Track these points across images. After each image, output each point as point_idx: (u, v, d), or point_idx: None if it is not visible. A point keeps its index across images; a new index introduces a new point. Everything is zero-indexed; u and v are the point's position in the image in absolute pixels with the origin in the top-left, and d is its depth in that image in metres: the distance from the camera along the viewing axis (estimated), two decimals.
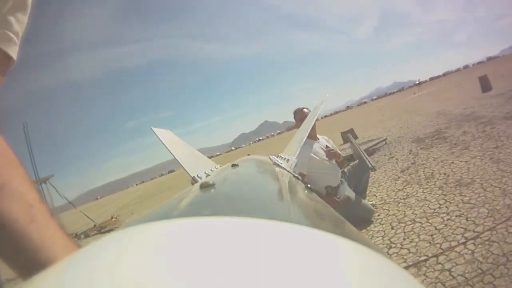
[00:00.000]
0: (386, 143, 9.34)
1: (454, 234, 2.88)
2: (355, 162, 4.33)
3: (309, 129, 2.03)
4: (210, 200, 0.42)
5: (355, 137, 11.34)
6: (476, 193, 3.60)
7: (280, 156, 1.72)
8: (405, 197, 4.29)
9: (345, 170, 4.20)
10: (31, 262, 0.49)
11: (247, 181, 0.74)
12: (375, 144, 9.25)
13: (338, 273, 0.17)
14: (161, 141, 1.40)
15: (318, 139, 3.85)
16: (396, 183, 5.08)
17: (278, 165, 1.12)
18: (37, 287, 0.15)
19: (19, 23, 0.53)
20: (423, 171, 5.17)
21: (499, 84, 14.92)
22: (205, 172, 1.20)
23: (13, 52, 0.54)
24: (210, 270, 0.15)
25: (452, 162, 5.06)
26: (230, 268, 0.15)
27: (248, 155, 1.91)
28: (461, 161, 4.95)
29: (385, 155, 7.78)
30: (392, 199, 4.36)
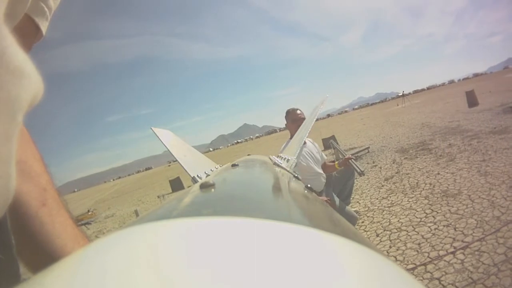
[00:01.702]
0: (368, 152, 9.80)
1: (442, 243, 3.02)
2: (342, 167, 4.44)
3: (309, 129, 2.14)
4: (210, 200, 0.45)
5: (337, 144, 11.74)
6: (464, 204, 3.79)
7: (280, 156, 1.81)
8: (389, 205, 4.47)
9: (332, 175, 4.29)
10: (40, 250, 0.52)
11: (247, 181, 0.78)
12: (357, 152, 9.66)
13: (338, 273, 0.18)
14: (161, 141, 1.48)
15: (305, 143, 3.93)
16: (380, 191, 5.29)
17: (278, 165, 1.17)
18: (37, 287, 0.16)
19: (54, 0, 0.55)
20: (408, 181, 5.39)
21: (486, 100, 15.90)
22: (205, 172, 1.26)
23: (44, 26, 0.55)
24: (211, 270, 0.16)
25: (438, 173, 5.31)
26: (231, 268, 0.17)
27: (248, 155, 2.00)
28: (447, 173, 5.21)
29: (367, 163, 8.08)
30: (376, 207, 4.54)
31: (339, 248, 0.23)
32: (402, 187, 5.13)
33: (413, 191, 4.76)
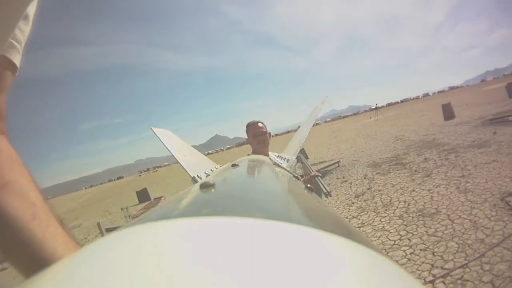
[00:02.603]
0: (339, 166, 9.76)
1: (419, 270, 2.80)
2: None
3: (309, 129, 2.17)
4: (210, 200, 0.47)
5: (306, 158, 11.71)
6: (443, 224, 3.64)
7: (280, 156, 1.91)
8: (360, 225, 4.27)
9: None
10: (32, 258, 0.59)
11: (247, 181, 0.81)
12: (327, 166, 9.65)
13: (338, 273, 0.19)
14: (161, 141, 1.56)
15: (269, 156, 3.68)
16: (349, 209, 5.11)
17: (278, 165, 1.23)
18: (37, 287, 0.17)
19: (22, 32, 0.65)
20: (380, 198, 5.25)
21: (463, 113, 16.39)
22: (205, 172, 1.33)
23: (17, 60, 0.65)
24: (211, 270, 0.17)
25: (413, 190, 5.19)
26: (231, 268, 0.17)
27: (248, 155, 2.10)
28: (423, 189, 5.09)
29: (337, 178, 7.97)
30: None
31: (339, 248, 0.24)
32: (374, 205, 4.98)
33: (386, 210, 4.61)
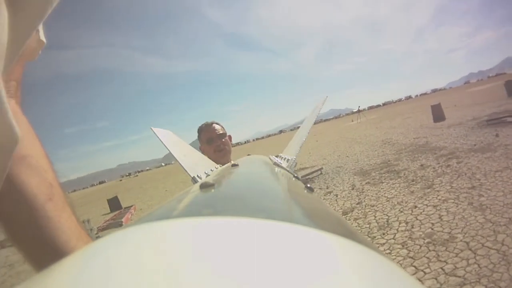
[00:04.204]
0: (321, 173, 9.09)
1: None
2: None
3: (309, 129, 2.00)
4: (210, 200, 0.46)
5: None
6: (463, 257, 2.92)
7: (280, 156, 1.81)
8: None
9: None
10: (45, 244, 0.58)
11: (247, 181, 0.78)
12: (309, 174, 9.04)
13: (338, 273, 0.19)
14: (161, 141, 1.60)
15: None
16: None
17: (278, 165, 1.17)
18: (42, 285, 0.18)
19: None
20: (374, 216, 4.48)
21: (453, 114, 15.99)
22: (205, 172, 1.31)
23: (43, 36, 0.66)
24: (211, 270, 0.17)
25: (415, 206, 4.42)
26: (231, 268, 0.18)
27: (248, 155, 1.79)
28: (427, 205, 4.33)
29: (320, 189, 7.23)
30: None
31: (339, 248, 0.24)
32: (367, 226, 4.21)
33: (383, 234, 3.83)
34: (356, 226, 4.20)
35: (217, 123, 2.59)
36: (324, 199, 6.19)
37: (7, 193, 0.57)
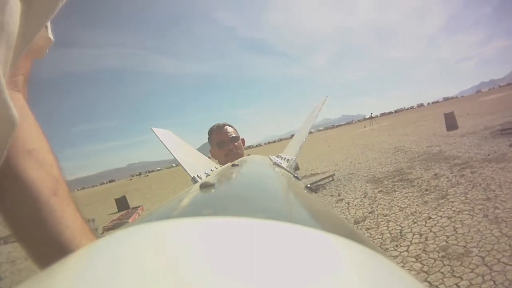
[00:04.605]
0: (333, 180, 8.93)
1: None
2: None
3: (308, 131, 2.05)
4: (210, 200, 0.47)
5: (296, 169, 11.10)
6: (478, 273, 2.81)
7: (280, 156, 1.84)
8: None
9: None
10: (49, 239, 0.57)
11: (247, 181, 0.79)
12: (320, 180, 8.88)
13: (338, 273, 0.19)
14: (161, 141, 1.60)
15: None
16: None
17: (278, 165, 1.19)
18: (46, 282, 0.18)
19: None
20: (387, 226, 4.37)
21: (465, 123, 15.72)
22: (205, 172, 1.33)
23: (50, 33, 0.68)
24: (211, 270, 0.17)
25: (429, 217, 4.30)
26: (231, 268, 0.17)
27: (248, 155, 1.93)
28: (442, 217, 4.21)
29: (331, 196, 7.11)
30: None
31: (339, 248, 0.24)
32: (380, 236, 4.10)
33: (396, 246, 3.72)
34: (368, 237, 4.11)
35: (229, 125, 2.43)
36: (335, 206, 6.09)
37: (12, 185, 0.57)
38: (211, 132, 2.48)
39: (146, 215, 0.36)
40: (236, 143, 2.27)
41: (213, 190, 0.49)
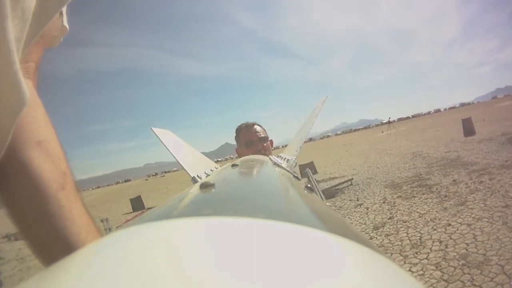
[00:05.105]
0: (351, 184, 8.84)
1: None
2: None
3: (309, 130, 2.05)
4: (210, 200, 0.46)
5: (314, 172, 10.99)
6: (498, 282, 2.79)
7: (280, 156, 1.83)
8: None
9: None
10: (56, 231, 0.56)
11: (247, 181, 0.79)
12: (338, 184, 8.77)
13: (338, 273, 0.19)
14: (161, 141, 1.60)
15: None
16: None
17: (278, 165, 1.19)
18: (51, 279, 0.18)
19: None
20: (407, 233, 4.33)
21: (483, 129, 15.45)
22: (205, 172, 1.34)
23: (66, 22, 0.67)
24: (211, 270, 0.17)
25: (449, 224, 4.25)
26: (231, 268, 0.17)
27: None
28: (461, 223, 4.16)
29: (350, 200, 7.05)
30: None
31: (339, 248, 0.24)
32: (399, 243, 4.06)
33: (416, 253, 3.68)
34: (387, 243, 4.09)
35: (259, 125, 2.42)
36: (354, 211, 6.06)
37: (19, 177, 0.55)
38: (239, 130, 2.41)
39: (146, 215, 0.38)
40: (265, 144, 2.19)
41: (213, 190, 0.48)
